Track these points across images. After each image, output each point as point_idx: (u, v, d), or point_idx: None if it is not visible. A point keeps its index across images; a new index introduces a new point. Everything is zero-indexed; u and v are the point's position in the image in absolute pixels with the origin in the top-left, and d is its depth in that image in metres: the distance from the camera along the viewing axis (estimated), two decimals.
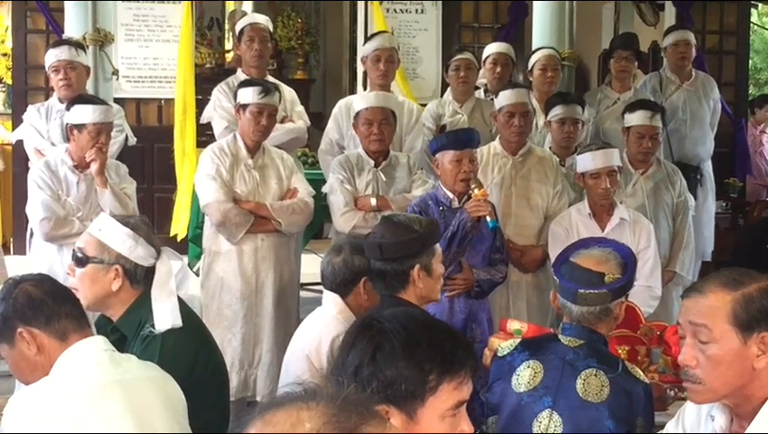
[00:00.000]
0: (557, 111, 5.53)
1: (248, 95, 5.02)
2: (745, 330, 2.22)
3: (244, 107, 5.03)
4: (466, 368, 2.01)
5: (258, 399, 5.03)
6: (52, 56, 5.72)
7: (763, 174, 10.15)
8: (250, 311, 5.03)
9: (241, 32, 5.92)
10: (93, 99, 5.34)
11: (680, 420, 2.55)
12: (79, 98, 5.32)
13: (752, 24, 10.76)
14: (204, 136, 7.55)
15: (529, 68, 6.45)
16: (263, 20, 6.03)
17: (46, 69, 5.88)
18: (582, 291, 3.00)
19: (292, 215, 5.05)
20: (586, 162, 4.87)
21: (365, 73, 6.19)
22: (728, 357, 2.23)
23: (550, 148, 5.60)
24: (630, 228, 4.86)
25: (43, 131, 5.73)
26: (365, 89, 6.23)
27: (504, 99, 5.20)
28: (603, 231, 4.83)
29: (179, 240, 6.46)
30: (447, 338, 2.04)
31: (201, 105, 6.71)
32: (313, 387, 1.40)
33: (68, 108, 5.13)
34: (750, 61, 11.09)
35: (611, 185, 4.83)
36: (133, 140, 5.81)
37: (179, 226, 6.46)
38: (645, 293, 4.72)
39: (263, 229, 5.03)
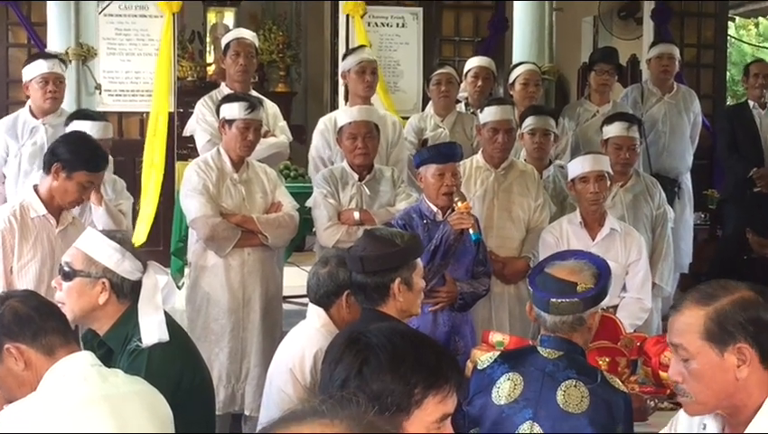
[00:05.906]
0: (528, 122, 5.57)
1: (234, 110, 5.00)
2: (720, 344, 2.25)
3: (230, 122, 5.01)
4: (451, 382, 2.05)
5: (247, 413, 5.03)
6: (44, 67, 5.64)
7: None
8: (237, 325, 5.03)
9: (227, 45, 5.91)
10: (92, 115, 5.34)
11: (673, 428, 2.58)
12: (77, 113, 5.32)
13: (729, 38, 10.83)
14: (186, 149, 7.58)
15: (510, 81, 6.51)
16: (249, 35, 6.01)
17: (29, 79, 5.71)
18: (554, 300, 3.03)
19: (278, 229, 5.05)
20: (576, 167, 4.89)
21: (346, 87, 6.19)
22: (708, 371, 2.26)
23: (525, 160, 5.64)
24: (621, 239, 4.86)
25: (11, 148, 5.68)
26: (346, 102, 6.24)
27: (489, 114, 5.22)
28: (593, 240, 4.83)
29: (136, 246, 6.45)
30: (432, 352, 2.08)
31: (182, 118, 6.71)
32: (334, 404, 1.42)
33: (66, 124, 5.15)
34: (728, 74, 11.18)
35: (599, 189, 4.83)
36: None
37: (138, 235, 6.42)
38: (635, 305, 4.77)
39: (250, 243, 5.02)
